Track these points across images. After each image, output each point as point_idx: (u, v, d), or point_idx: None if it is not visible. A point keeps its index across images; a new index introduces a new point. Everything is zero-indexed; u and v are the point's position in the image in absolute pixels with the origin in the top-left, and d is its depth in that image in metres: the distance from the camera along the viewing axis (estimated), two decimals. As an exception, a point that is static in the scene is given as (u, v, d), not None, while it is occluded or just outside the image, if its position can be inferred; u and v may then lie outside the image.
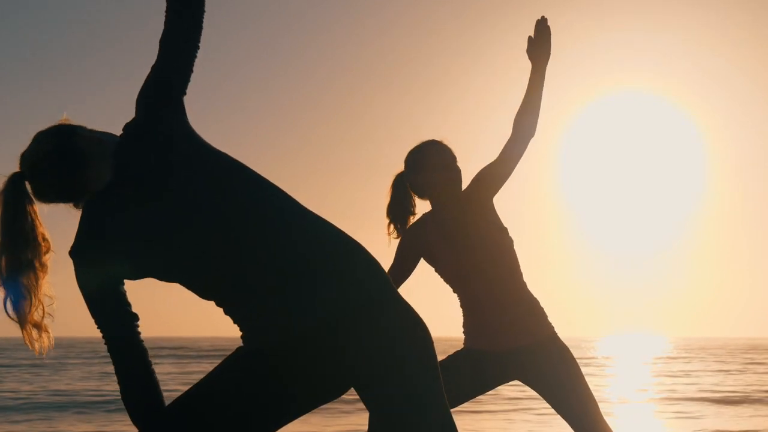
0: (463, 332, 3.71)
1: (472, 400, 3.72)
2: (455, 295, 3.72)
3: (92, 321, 2.19)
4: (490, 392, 4.45)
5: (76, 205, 2.24)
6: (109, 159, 2.19)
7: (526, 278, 3.68)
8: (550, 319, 3.67)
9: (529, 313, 3.61)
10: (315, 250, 2.12)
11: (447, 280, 3.70)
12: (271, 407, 2.13)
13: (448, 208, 3.67)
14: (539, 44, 3.60)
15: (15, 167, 2.21)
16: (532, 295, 3.65)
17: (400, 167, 3.79)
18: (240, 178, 2.17)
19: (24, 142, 2.23)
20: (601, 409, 3.54)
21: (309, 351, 2.07)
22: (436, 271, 3.71)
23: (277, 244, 2.11)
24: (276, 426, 2.17)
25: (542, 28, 3.61)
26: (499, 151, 3.64)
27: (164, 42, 2.25)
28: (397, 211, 3.74)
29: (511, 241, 3.64)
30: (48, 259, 2.19)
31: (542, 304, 3.69)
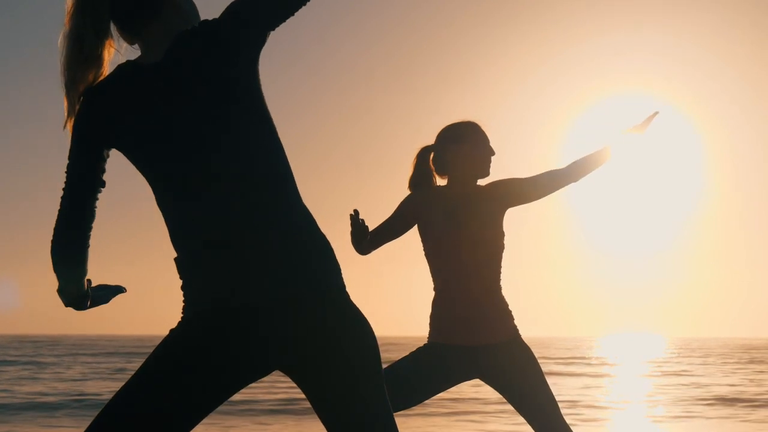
0: (430, 324, 3.75)
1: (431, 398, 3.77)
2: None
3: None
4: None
5: (120, 33, 2.20)
6: (171, 38, 2.16)
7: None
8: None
9: (500, 313, 3.70)
10: (301, 237, 2.10)
11: (431, 255, 3.73)
12: (215, 377, 2.09)
13: (464, 188, 3.74)
14: (639, 131, 3.76)
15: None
16: (504, 298, 3.73)
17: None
18: (264, 135, 2.13)
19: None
20: (561, 409, 3.62)
21: (267, 324, 2.05)
22: (423, 242, 3.75)
23: (267, 215, 2.08)
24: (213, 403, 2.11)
25: (650, 122, 3.76)
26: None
27: None
28: (420, 182, 3.81)
29: (503, 247, 3.72)
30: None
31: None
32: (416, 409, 12.68)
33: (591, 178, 3.80)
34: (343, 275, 2.14)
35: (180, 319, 2.15)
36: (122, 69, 2.18)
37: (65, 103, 2.18)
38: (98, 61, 2.17)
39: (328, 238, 2.17)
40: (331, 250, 2.14)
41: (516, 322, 3.74)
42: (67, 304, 2.30)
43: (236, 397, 15.01)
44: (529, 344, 3.73)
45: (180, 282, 2.16)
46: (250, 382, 2.15)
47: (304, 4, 2.19)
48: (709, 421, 12.46)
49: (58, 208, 2.20)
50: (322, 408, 2.09)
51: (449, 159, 3.74)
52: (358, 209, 3.60)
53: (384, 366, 3.61)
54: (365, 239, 3.64)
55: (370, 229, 3.72)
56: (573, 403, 14.94)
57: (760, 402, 15.58)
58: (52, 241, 2.20)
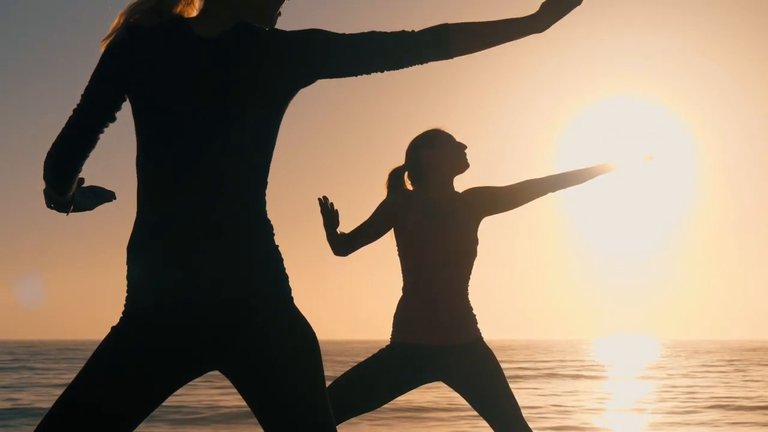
0: (394, 324, 3.75)
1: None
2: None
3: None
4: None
5: None
6: (234, 22, 2.17)
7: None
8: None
9: (466, 316, 3.72)
10: (252, 242, 2.10)
11: (403, 255, 3.74)
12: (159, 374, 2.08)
13: (442, 191, 3.78)
14: (626, 166, 3.87)
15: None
16: (469, 302, 3.77)
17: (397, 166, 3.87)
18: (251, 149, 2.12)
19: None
20: (522, 411, 3.65)
21: (215, 323, 2.05)
22: (397, 242, 3.76)
23: (225, 212, 2.08)
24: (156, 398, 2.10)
25: (642, 163, 3.87)
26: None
27: (370, 40, 2.16)
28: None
29: (476, 253, 3.76)
30: None
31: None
32: (377, 414, 12.63)
33: (588, 182, 3.83)
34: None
35: (121, 314, 2.12)
36: (176, 23, 2.17)
37: (114, 22, 2.18)
38: (168, 12, 2.18)
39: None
40: (282, 260, 2.15)
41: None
42: (49, 206, 2.32)
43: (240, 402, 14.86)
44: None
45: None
46: (188, 381, 2.15)
47: (369, 73, 2.19)
48: (710, 424, 12.46)
49: (63, 126, 2.19)
50: (260, 411, 2.08)
51: (426, 164, 3.76)
52: (326, 196, 3.62)
53: (347, 369, 3.65)
54: (337, 227, 3.69)
55: (350, 230, 3.75)
56: (567, 408, 14.95)
57: (757, 405, 15.60)
58: (49, 156, 2.20)
